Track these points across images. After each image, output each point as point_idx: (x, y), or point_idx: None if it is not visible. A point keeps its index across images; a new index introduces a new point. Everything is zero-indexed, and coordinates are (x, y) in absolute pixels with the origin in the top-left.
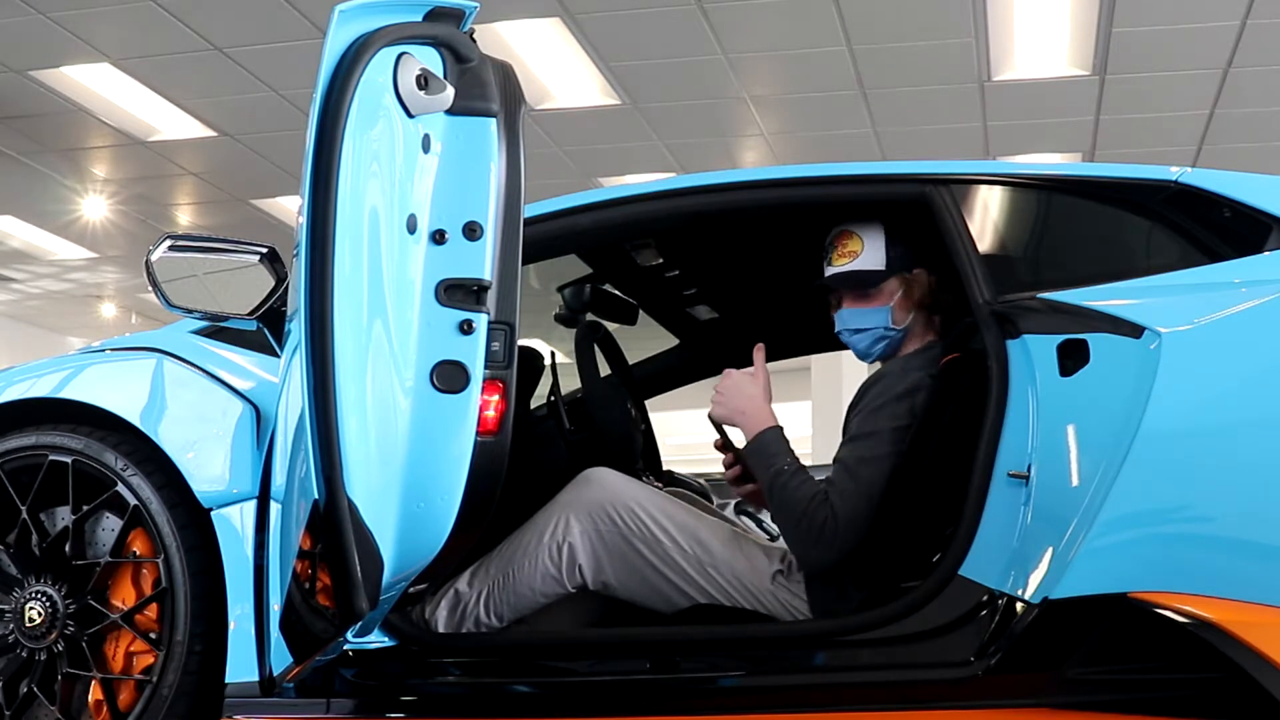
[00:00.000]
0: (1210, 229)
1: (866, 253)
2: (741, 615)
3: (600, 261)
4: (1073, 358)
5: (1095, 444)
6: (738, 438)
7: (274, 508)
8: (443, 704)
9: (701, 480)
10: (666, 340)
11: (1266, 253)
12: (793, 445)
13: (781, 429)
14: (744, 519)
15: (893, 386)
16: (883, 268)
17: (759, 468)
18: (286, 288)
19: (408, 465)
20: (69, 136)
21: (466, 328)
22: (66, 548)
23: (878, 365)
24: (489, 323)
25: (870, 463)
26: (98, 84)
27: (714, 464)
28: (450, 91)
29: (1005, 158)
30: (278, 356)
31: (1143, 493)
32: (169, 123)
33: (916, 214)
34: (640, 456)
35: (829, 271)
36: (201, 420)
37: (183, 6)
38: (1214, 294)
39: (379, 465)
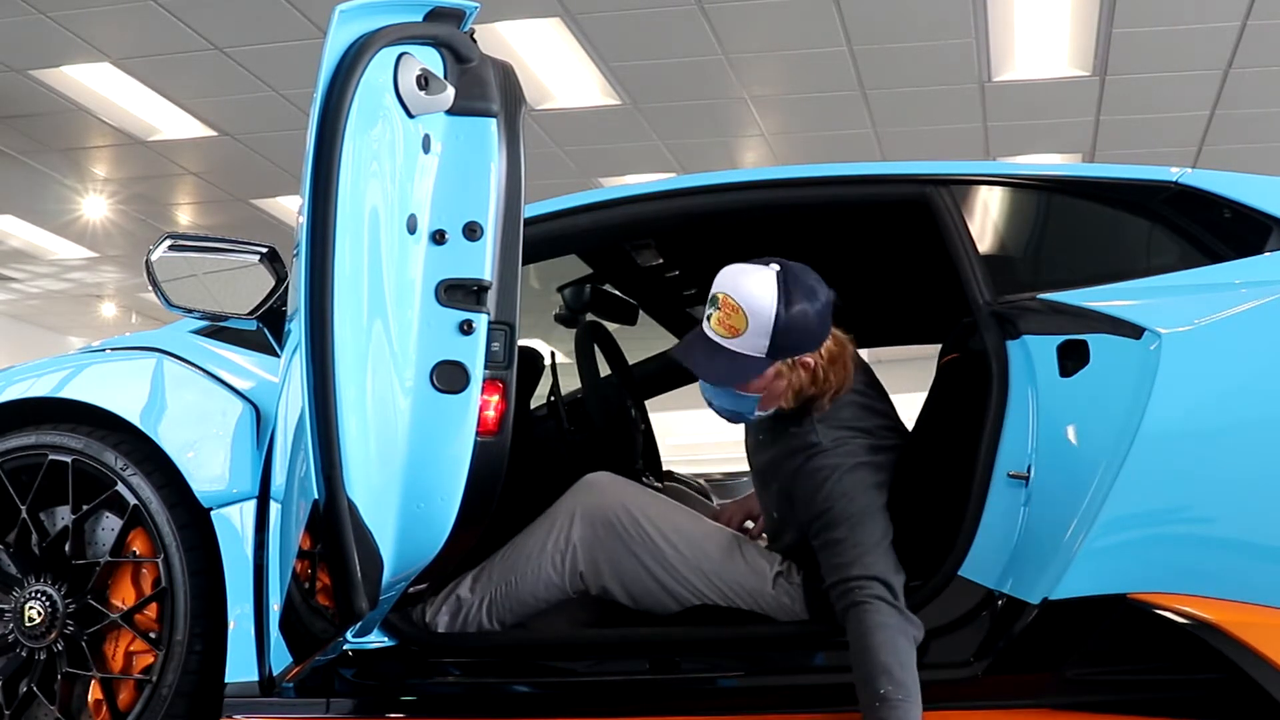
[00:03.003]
0: (1210, 230)
1: (749, 335)
2: (741, 615)
3: (600, 261)
4: (1073, 358)
5: (1095, 445)
6: None
7: (274, 507)
8: (442, 704)
9: (701, 480)
10: (666, 340)
11: (1267, 253)
12: None
13: None
14: None
15: (837, 465)
16: (762, 355)
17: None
18: (286, 287)
19: (408, 465)
20: (69, 136)
21: (466, 328)
22: (66, 547)
23: None
24: (489, 323)
25: (864, 522)
26: (98, 84)
27: (714, 464)
28: (450, 91)
29: (1005, 158)
30: (278, 356)
31: (1142, 494)
32: (169, 122)
33: (916, 214)
34: (640, 456)
35: (704, 329)
36: (201, 420)
37: (183, 6)
38: (1214, 295)
39: (379, 465)
